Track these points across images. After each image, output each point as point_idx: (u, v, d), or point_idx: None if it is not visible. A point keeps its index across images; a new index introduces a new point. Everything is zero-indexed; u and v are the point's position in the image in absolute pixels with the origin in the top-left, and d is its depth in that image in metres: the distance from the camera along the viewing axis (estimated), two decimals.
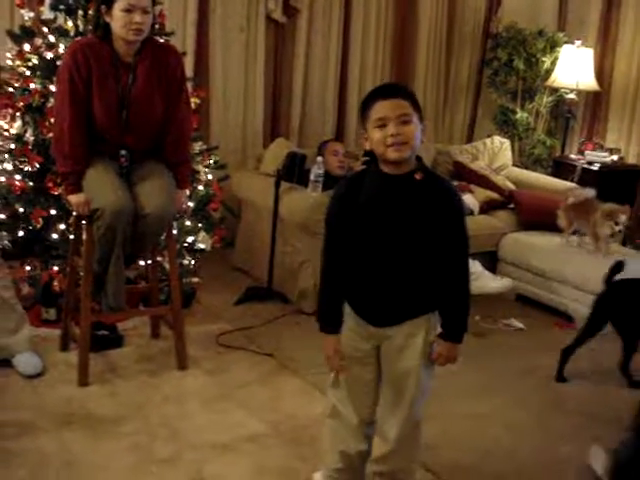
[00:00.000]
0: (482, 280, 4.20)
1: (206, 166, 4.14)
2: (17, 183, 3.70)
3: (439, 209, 2.15)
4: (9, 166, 3.75)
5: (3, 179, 3.75)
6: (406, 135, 2.09)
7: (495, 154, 5.91)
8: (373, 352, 2.34)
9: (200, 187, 4.09)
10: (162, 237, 3.51)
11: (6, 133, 3.79)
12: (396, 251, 2.19)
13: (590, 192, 4.72)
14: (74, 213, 3.39)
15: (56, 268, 3.77)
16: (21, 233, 3.80)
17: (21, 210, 3.75)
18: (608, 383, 3.78)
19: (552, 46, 6.27)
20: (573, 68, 5.99)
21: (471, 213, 5.00)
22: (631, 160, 6.18)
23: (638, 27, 6.27)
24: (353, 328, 2.34)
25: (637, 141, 6.20)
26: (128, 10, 3.07)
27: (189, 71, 4.88)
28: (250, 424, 3.10)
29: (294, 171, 4.40)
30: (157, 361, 3.62)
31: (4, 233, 3.78)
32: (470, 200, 5.08)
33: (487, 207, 5.17)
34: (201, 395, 3.33)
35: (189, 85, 4.24)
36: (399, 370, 2.31)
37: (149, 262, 3.71)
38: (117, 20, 3.10)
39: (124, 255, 3.30)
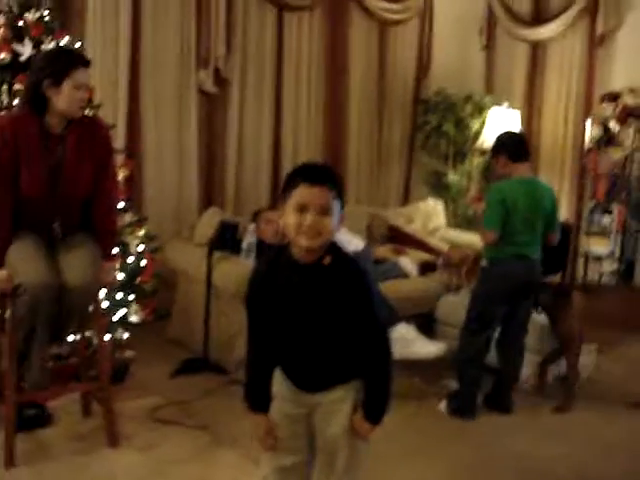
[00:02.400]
0: (417, 344, 4.19)
1: (136, 237, 4.09)
2: None
3: (347, 290, 2.13)
4: None
5: None
6: (322, 226, 2.06)
7: (429, 216, 6.01)
8: (303, 418, 2.30)
9: (130, 259, 4.03)
10: (89, 311, 3.43)
11: None
12: (313, 329, 2.18)
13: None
14: None
15: None
16: None
17: None
18: (544, 435, 3.82)
19: (480, 109, 6.45)
20: (501, 130, 6.13)
21: (406, 276, 5.03)
22: (561, 217, 6.31)
23: (561, 89, 6.51)
24: (283, 393, 2.31)
25: (567, 198, 6.36)
26: (79, 87, 3.14)
27: (120, 142, 4.89)
28: None
29: (226, 240, 4.37)
30: (88, 439, 3.50)
31: None
32: (406, 263, 5.11)
33: (423, 269, 5.20)
34: (132, 473, 3.22)
35: (120, 156, 4.25)
36: (329, 436, 2.27)
37: (78, 337, 3.62)
38: (65, 96, 3.14)
39: (50, 330, 3.21)
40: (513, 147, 3.99)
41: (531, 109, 6.75)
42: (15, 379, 3.21)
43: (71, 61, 3.18)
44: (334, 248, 2.16)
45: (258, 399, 2.31)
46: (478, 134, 6.40)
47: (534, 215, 3.94)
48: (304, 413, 2.30)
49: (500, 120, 6.20)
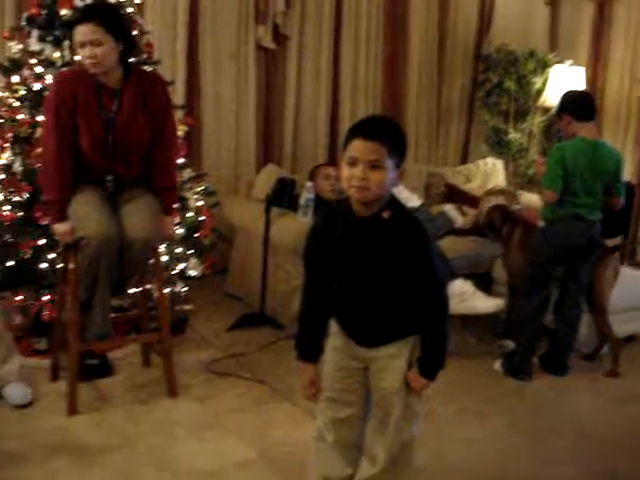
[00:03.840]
0: (474, 300, 4.15)
1: (195, 193, 4.14)
2: (6, 213, 3.70)
3: (406, 244, 2.13)
4: None
5: None
6: (372, 181, 2.05)
7: (488, 175, 5.92)
8: (358, 372, 2.34)
9: (189, 214, 4.08)
10: (149, 264, 3.50)
11: None
12: (371, 282, 2.20)
13: None
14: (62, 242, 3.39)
15: (46, 298, 3.75)
16: (11, 263, 3.77)
17: (10, 240, 3.73)
18: (602, 399, 3.78)
19: (543, 67, 6.30)
20: (564, 87, 5.99)
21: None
22: (625, 177, 6.15)
23: (628, 44, 6.31)
24: (339, 347, 2.34)
25: (630, 158, 6.20)
26: (81, 46, 3.15)
27: (180, 99, 4.92)
28: (239, 451, 3.07)
29: (284, 196, 4.39)
30: (147, 389, 3.59)
31: None
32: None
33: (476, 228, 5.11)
34: (190, 423, 3.30)
35: (179, 112, 4.27)
36: (384, 390, 2.30)
37: (139, 289, 3.70)
38: (78, 54, 3.21)
39: (111, 282, 3.29)
40: (578, 106, 3.90)
41: (596, 67, 6.56)
42: (78, 329, 3.30)
43: (73, 20, 3.23)
44: (394, 203, 2.16)
45: (308, 349, 2.36)
46: (540, 92, 6.25)
47: (594, 177, 3.86)
48: (360, 367, 2.33)
49: (563, 78, 6.04)
